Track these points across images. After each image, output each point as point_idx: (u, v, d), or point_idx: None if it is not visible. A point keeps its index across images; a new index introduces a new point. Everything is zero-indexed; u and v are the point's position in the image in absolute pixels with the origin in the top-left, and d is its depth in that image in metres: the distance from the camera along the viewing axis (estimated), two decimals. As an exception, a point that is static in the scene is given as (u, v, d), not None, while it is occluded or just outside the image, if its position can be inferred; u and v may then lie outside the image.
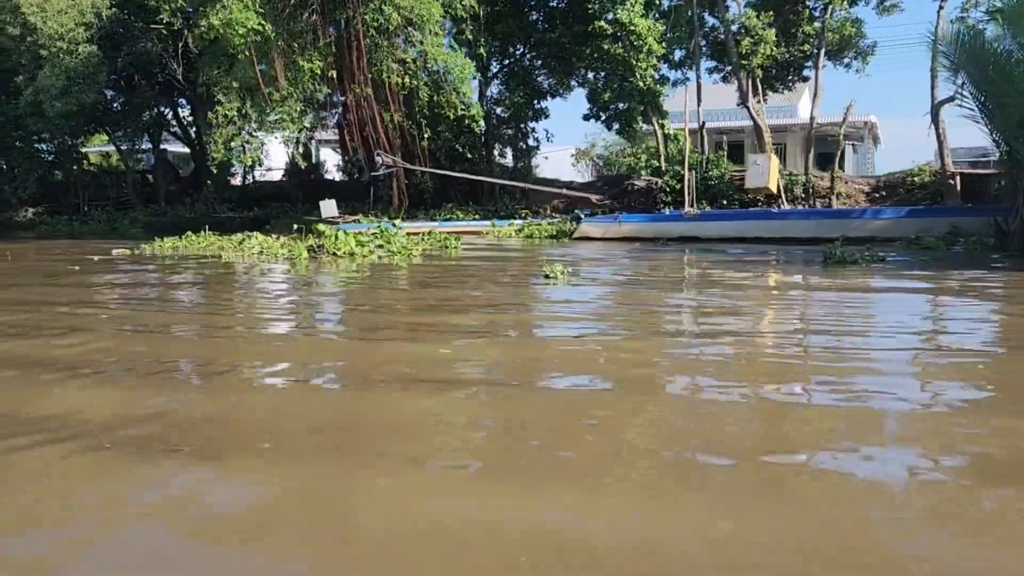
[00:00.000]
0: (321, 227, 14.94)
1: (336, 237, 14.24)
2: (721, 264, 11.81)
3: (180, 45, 26.96)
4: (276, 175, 33.26)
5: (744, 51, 20.18)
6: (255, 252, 14.43)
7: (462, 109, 21.41)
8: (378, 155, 20.69)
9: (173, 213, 28.54)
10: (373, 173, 21.04)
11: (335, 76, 19.30)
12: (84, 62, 23.74)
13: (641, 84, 21.47)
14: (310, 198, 28.09)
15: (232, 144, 19.28)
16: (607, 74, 22.87)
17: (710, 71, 26.12)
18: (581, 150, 39.15)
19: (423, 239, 17.18)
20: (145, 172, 33.98)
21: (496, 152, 25.73)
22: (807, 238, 16.56)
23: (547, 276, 9.43)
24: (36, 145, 31.10)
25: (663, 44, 21.36)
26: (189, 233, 18.87)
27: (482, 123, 22.02)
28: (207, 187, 31.10)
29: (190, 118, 30.82)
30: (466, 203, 24.87)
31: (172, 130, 31.39)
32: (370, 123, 21.43)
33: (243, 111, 18.38)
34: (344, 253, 13.78)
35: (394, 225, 17.79)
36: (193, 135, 31.12)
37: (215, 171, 29.22)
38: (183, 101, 31.12)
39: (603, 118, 23.85)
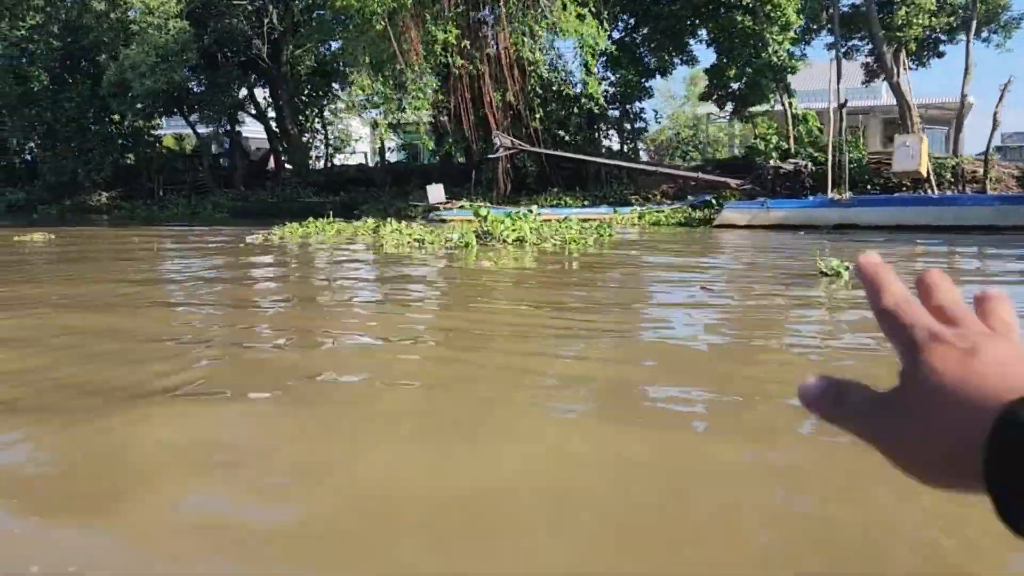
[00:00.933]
0: (483, 212, 13.61)
1: (504, 223, 12.96)
2: (995, 257, 10.43)
3: (266, 22, 25.81)
4: (357, 159, 31.98)
5: (900, 21, 18.50)
6: (411, 240, 13.17)
7: (582, 87, 19.98)
8: (496, 136, 19.34)
9: (255, 197, 27.45)
10: (491, 155, 19.70)
11: (466, 46, 17.87)
12: (175, 38, 22.66)
13: (775, 59, 19.89)
14: (396, 182, 26.89)
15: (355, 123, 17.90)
16: (732, 49, 21.27)
17: (828, 47, 24.47)
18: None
19: (565, 226, 15.85)
20: (216, 155, 32.95)
21: (598, 134, 24.25)
22: (982, 226, 15.04)
23: (824, 273, 8.04)
24: (111, 127, 30.22)
25: (801, 16, 19.73)
26: (311, 220, 17.73)
27: (602, 101, 20.57)
28: (284, 171, 30.05)
29: (265, 99, 29.64)
30: (571, 188, 23.48)
31: (250, 112, 30.24)
32: (481, 101, 20.12)
33: (375, 89, 17.07)
34: (513, 241, 12.52)
35: (530, 211, 16.47)
36: (272, 116, 29.98)
37: (294, 155, 28.19)
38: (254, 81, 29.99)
39: (722, 96, 22.33)
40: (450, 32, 16.95)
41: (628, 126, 23.83)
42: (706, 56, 57.06)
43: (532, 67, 18.97)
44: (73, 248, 14.06)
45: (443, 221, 18.76)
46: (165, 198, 30.22)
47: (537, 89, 20.80)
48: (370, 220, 18.39)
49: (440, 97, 18.41)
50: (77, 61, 29.35)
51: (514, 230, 12.64)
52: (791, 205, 17.39)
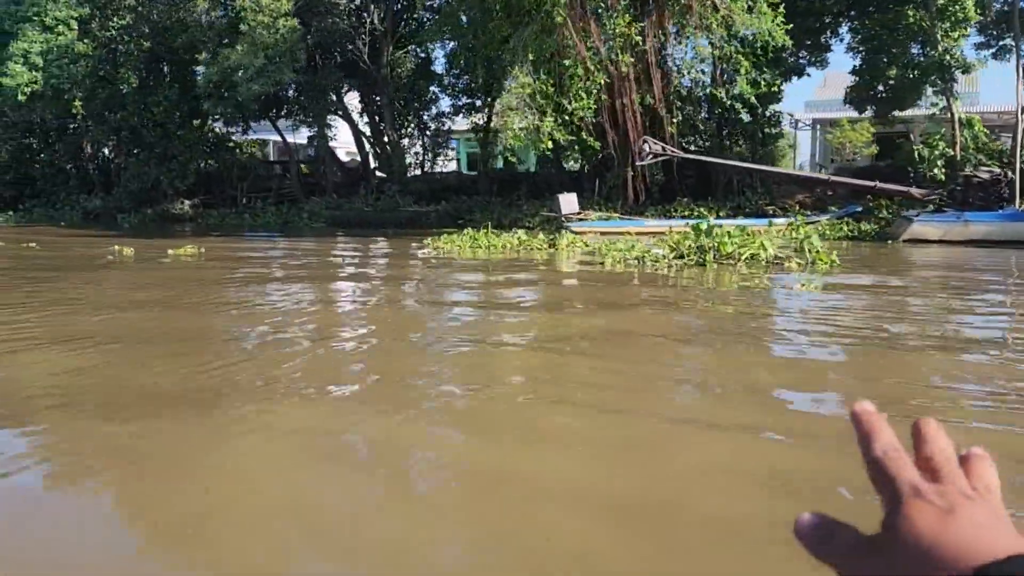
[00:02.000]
0: (702, 226, 11.96)
1: (731, 237, 11.36)
2: None
3: (368, 21, 24.50)
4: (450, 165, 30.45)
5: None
6: (626, 255, 11.60)
7: (728, 88, 18.35)
8: (644, 141, 17.76)
9: (349, 206, 26.02)
10: (640, 162, 18.11)
11: (638, 42, 16.24)
12: (284, 37, 21.33)
13: (948, 58, 18.15)
14: (503, 191, 25.38)
15: (522, 127, 16.38)
16: (890, 47, 19.55)
17: (977, 47, 22.67)
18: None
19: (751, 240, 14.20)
20: (299, 162, 31.64)
21: (729, 140, 22.55)
22: None
23: None
24: (195, 132, 29.05)
25: (979, 10, 18.00)
26: (469, 230, 16.28)
27: (755, 102, 18.94)
28: (375, 178, 28.68)
29: (360, 102, 28.26)
30: (699, 198, 21.83)
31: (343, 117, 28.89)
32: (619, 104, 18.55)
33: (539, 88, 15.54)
34: (744, 257, 10.92)
35: (708, 223, 14.83)
36: (365, 121, 28.60)
37: (391, 161, 26.81)
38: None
39: (863, 99, 20.60)
40: (631, 26, 15.37)
41: (762, 132, 22.10)
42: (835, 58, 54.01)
43: (679, 68, 17.37)
44: (244, 266, 12.62)
45: (575, 234, 17.11)
46: (250, 206, 28.96)
47: (680, 90, 19.21)
48: (520, 232, 16.90)
49: (590, 100, 16.76)
50: (164, 64, 28.26)
51: (747, 246, 11.03)
52: (995, 219, 15.60)
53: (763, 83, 19.51)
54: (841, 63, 56.16)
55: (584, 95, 15.95)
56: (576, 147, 19.05)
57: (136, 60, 26.45)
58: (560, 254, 13.49)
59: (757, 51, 17.98)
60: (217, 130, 30.86)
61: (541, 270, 11.28)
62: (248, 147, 32.72)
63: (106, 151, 31.48)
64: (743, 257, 10.94)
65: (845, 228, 17.91)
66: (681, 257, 11.35)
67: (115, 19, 25.63)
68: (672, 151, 17.91)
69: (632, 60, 16.63)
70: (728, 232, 11.74)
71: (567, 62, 15.38)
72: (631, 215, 20.32)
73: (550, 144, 16.98)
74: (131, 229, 24.27)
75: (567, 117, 16.45)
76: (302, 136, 30.34)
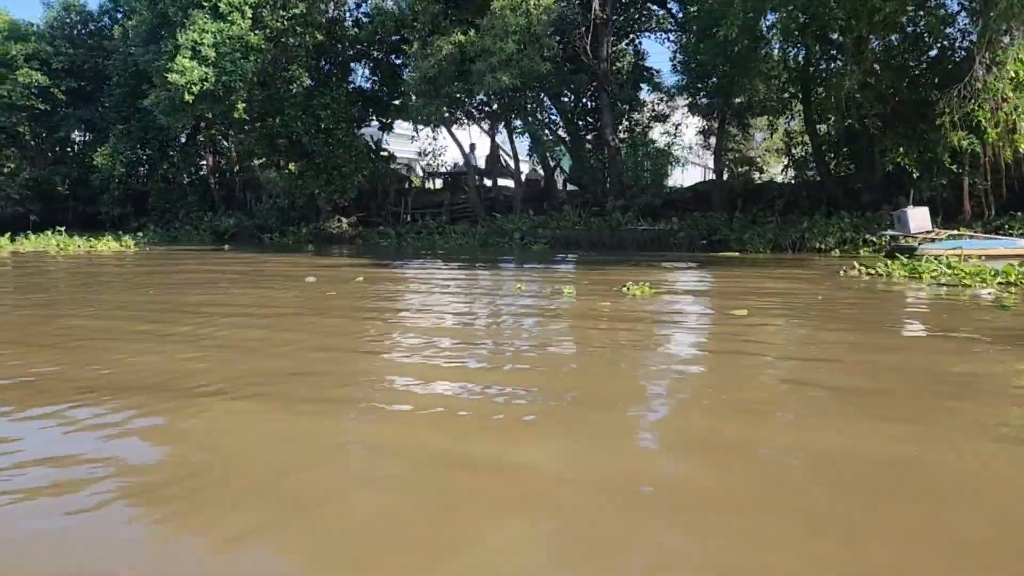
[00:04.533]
0: None
1: None
2: None
3: (595, 6, 20.83)
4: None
5: None
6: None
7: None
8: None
9: (558, 225, 22.06)
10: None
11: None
12: (537, 19, 17.60)
13: None
14: (747, 205, 21.53)
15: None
16: None
17: None
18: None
19: None
20: (479, 173, 27.57)
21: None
22: None
23: None
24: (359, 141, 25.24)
25: None
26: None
27: None
28: (558, 192, 24.87)
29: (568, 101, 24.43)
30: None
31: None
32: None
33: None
34: None
35: None
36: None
37: (611, 171, 22.97)
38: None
39: None
40: None
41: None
42: None
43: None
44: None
45: (935, 259, 12.96)
46: (419, 223, 25.07)
47: None
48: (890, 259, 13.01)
49: None
50: (326, 61, 24.55)
51: None
52: None
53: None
54: None
55: None
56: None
57: (309, 55, 22.66)
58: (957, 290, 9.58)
59: None
60: (370, 138, 27.14)
61: None
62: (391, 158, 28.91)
63: (254, 163, 27.59)
64: None
65: None
66: None
67: (286, 7, 21.86)
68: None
69: None
70: None
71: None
72: (982, 232, 16.54)
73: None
74: (312, 251, 20.34)
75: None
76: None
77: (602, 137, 22.50)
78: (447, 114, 20.72)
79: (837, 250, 17.93)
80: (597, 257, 17.08)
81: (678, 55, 22.27)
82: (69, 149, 32.00)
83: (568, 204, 23.65)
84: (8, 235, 24.66)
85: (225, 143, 30.02)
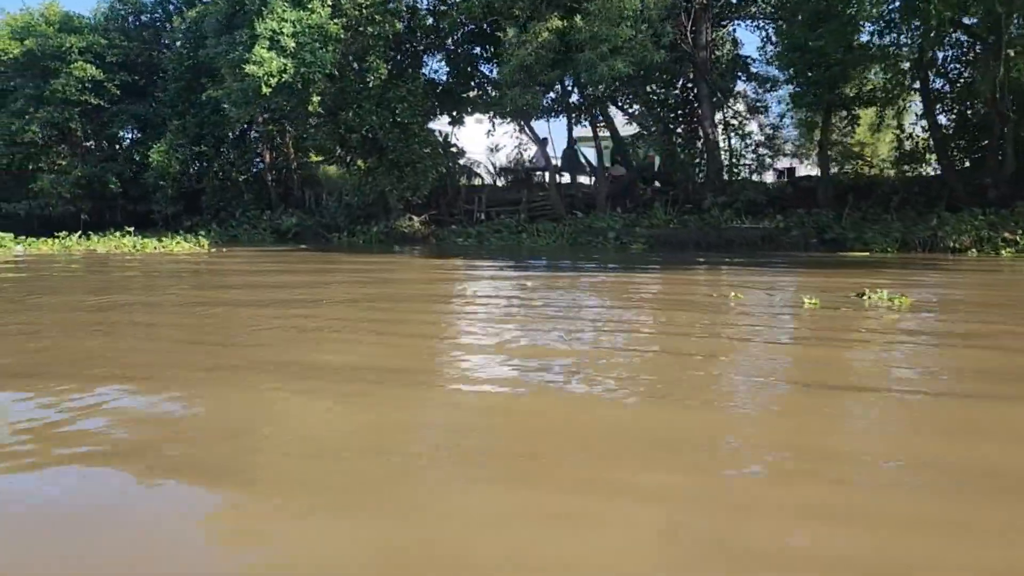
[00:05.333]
0: None
1: None
2: None
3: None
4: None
5: None
6: None
7: None
8: None
9: (664, 222, 20.79)
10: None
11: None
12: (653, 3, 16.42)
13: None
14: (860, 201, 20.30)
15: None
16: None
17: None
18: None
19: None
20: (558, 169, 26.27)
21: None
22: None
23: None
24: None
25: None
26: None
27: None
28: (640, 188, 23.70)
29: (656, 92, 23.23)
30: None
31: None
32: None
33: None
34: None
35: None
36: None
37: (709, 166, 21.80)
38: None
39: None
40: None
41: None
42: None
43: None
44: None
45: None
46: (496, 221, 23.93)
47: None
48: None
49: None
50: (398, 53, 23.39)
51: None
52: None
53: None
54: None
55: None
56: None
57: (387, 45, 21.52)
58: None
59: None
60: (439, 133, 26.00)
61: None
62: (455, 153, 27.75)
63: (316, 158, 26.48)
64: None
65: None
66: None
67: (365, -5, 20.72)
68: None
69: None
70: None
71: None
72: None
73: None
74: (410, 254, 19.22)
75: None
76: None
77: (697, 130, 21.32)
78: (545, 103, 19.55)
79: (974, 249, 16.75)
80: (720, 258, 15.87)
81: (778, 43, 21.02)
82: (119, 146, 30.93)
83: (657, 201, 22.47)
84: (77, 235, 23.60)
85: (279, 139, 28.94)
